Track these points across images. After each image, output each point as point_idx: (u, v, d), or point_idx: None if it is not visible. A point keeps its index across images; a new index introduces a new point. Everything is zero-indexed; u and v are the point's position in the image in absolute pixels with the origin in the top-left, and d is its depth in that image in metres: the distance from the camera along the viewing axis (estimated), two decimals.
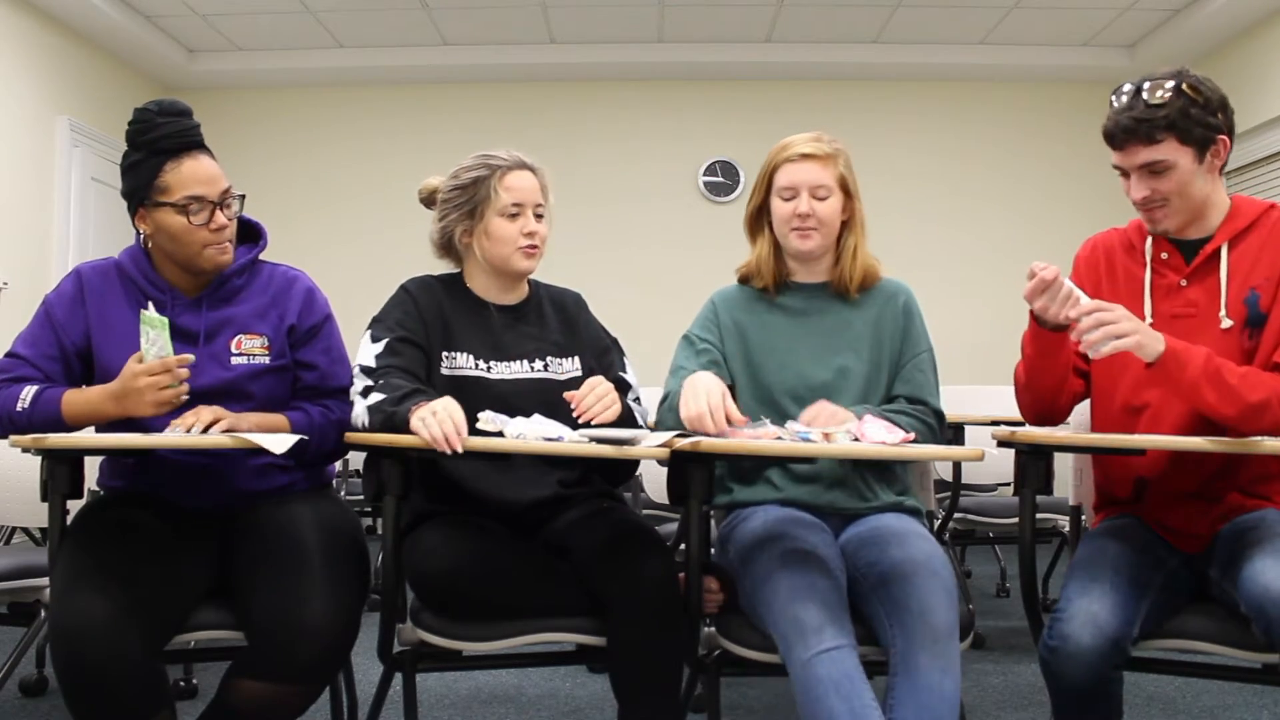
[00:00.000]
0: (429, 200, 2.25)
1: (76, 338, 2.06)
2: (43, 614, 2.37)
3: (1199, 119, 1.93)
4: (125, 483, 2.11)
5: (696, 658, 2.03)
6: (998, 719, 2.86)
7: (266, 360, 2.10)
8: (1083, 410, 2.29)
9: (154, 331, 1.88)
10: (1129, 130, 1.95)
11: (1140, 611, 1.85)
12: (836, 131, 2.27)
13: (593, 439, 1.84)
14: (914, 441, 1.91)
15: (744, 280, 2.30)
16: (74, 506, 1.96)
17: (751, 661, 1.94)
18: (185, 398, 1.92)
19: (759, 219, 2.26)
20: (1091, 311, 1.86)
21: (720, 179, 6.99)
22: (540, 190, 2.18)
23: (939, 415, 2.18)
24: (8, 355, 2.06)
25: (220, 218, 2.05)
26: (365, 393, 1.99)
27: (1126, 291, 2.09)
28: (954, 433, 3.22)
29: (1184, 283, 2.04)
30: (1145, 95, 1.94)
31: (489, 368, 2.14)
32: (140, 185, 2.04)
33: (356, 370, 2.05)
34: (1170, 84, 1.93)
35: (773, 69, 6.81)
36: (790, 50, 6.67)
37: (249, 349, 2.10)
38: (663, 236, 6.94)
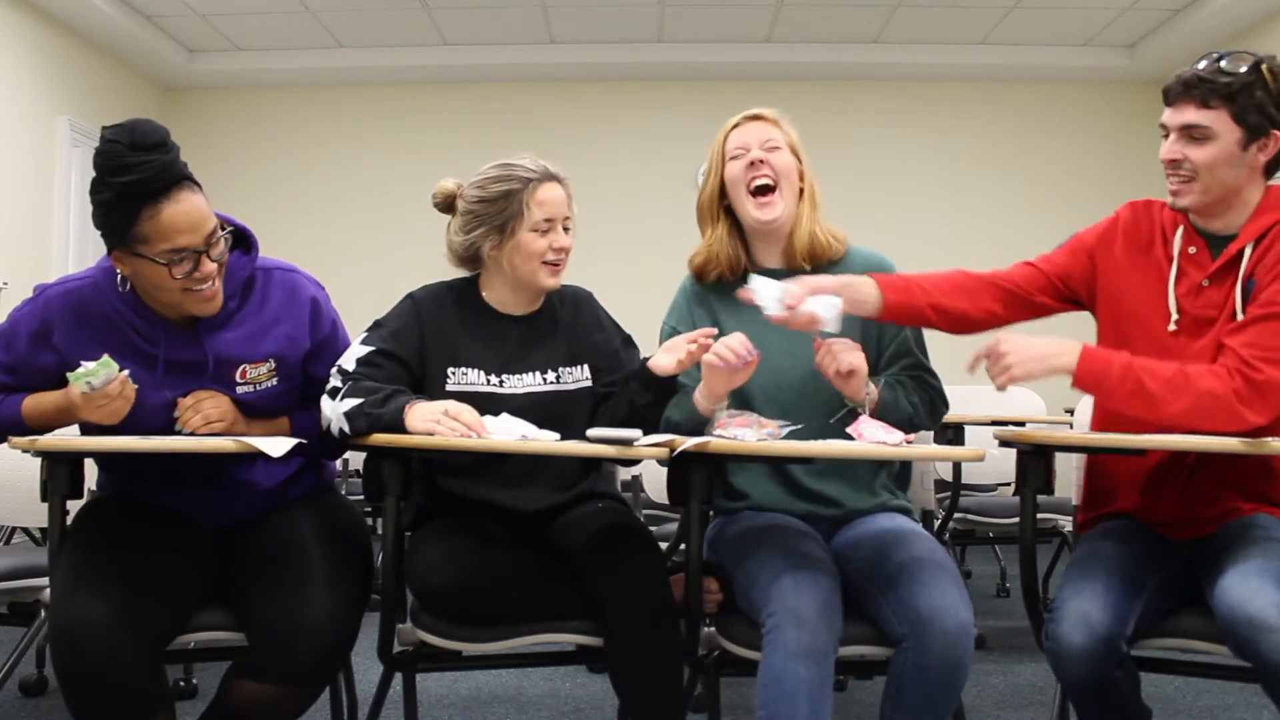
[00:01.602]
0: (446, 205, 2.17)
1: (44, 366, 1.96)
2: (43, 614, 2.36)
3: (1261, 103, 1.85)
4: (123, 490, 2.09)
5: (696, 658, 2.03)
6: (998, 719, 2.86)
7: (274, 383, 2.04)
8: (1085, 409, 2.29)
9: (105, 370, 1.81)
10: (1188, 85, 1.87)
11: (1135, 610, 1.83)
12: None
13: (593, 439, 1.84)
14: (915, 422, 1.96)
15: (699, 275, 2.21)
16: (74, 507, 1.95)
17: (751, 661, 1.93)
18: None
19: (716, 202, 2.16)
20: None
21: None
22: (568, 201, 2.12)
23: (932, 373, 2.13)
24: None
25: (206, 265, 1.87)
26: (333, 393, 1.97)
27: (1150, 282, 2.00)
28: (954, 433, 3.22)
29: (1206, 283, 1.95)
30: (1224, 63, 1.86)
31: (501, 382, 2.11)
32: (114, 230, 1.85)
33: (335, 369, 2.02)
34: (1251, 60, 1.86)
35: (773, 69, 6.79)
36: (790, 50, 6.66)
37: (254, 377, 2.01)
38: (662, 237, 6.92)
